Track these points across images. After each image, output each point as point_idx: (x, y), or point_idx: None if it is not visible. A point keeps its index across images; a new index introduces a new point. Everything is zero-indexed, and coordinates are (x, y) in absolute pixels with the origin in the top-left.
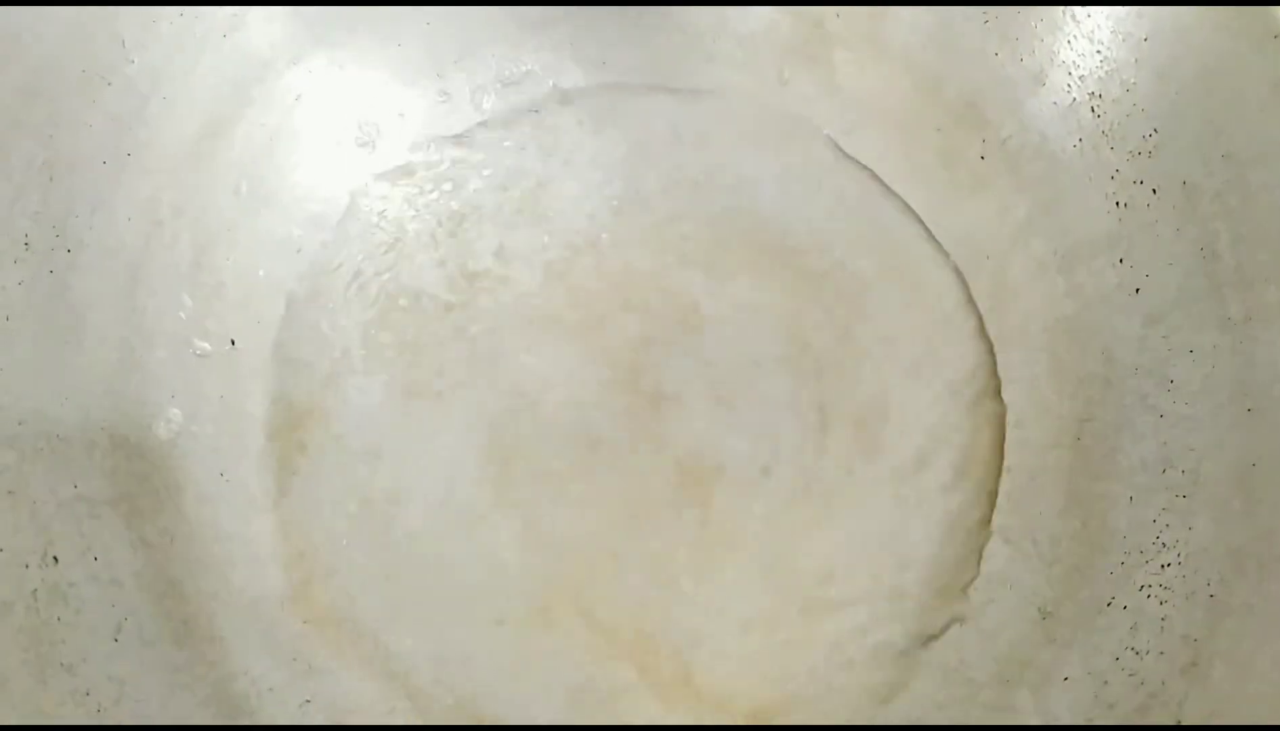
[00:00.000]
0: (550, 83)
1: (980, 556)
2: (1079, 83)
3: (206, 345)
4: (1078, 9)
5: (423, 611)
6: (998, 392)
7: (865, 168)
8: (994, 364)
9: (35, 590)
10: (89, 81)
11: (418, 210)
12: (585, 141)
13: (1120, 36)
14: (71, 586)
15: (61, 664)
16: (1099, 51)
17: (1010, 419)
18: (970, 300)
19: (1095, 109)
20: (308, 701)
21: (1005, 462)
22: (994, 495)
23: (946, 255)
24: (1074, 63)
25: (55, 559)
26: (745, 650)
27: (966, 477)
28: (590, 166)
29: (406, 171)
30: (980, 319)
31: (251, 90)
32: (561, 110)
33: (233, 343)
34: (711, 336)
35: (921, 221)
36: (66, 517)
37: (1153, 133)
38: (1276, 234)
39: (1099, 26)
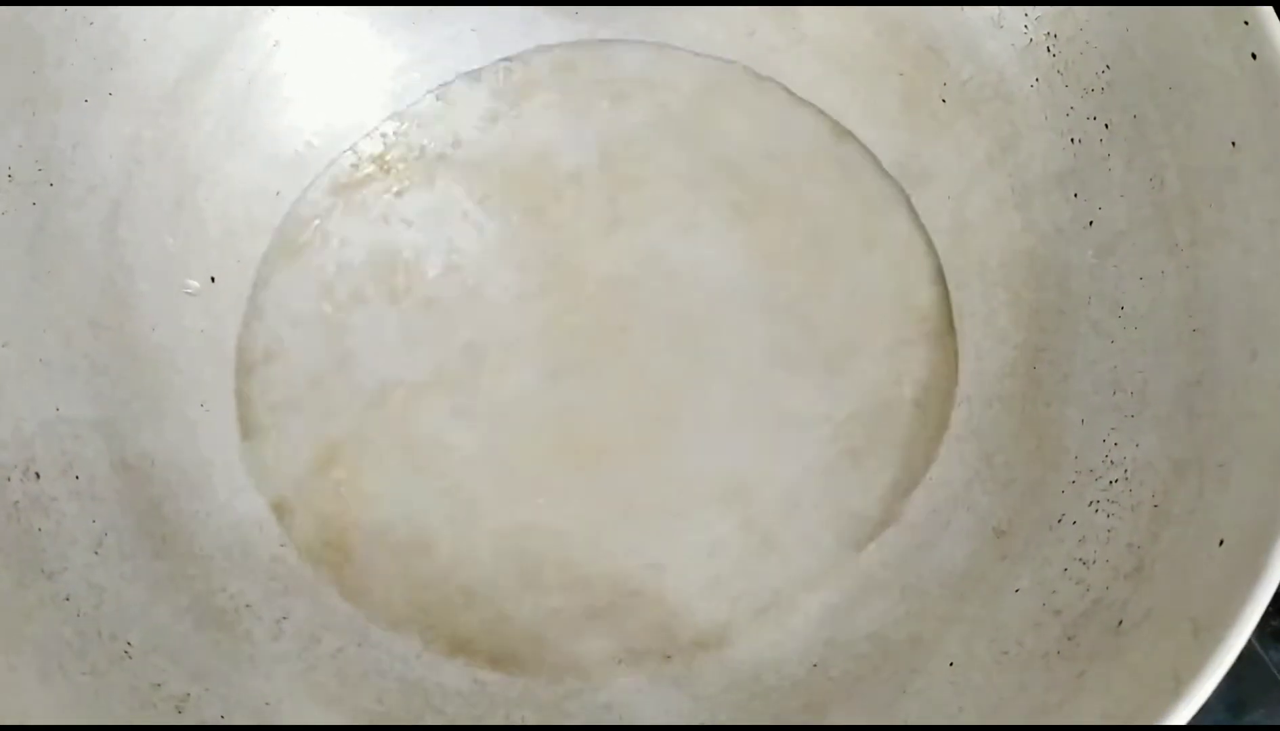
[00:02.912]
0: (524, 32)
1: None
2: (1035, 23)
3: (195, 283)
4: None
5: (394, 540)
6: (951, 330)
7: (828, 115)
8: (949, 304)
9: (17, 502)
10: (71, 21)
11: (394, 155)
12: (558, 89)
13: None
14: (53, 500)
15: (42, 570)
16: None
17: (969, 351)
18: (930, 244)
19: (1051, 48)
20: (284, 618)
21: (964, 392)
22: (945, 420)
23: (907, 198)
24: (1030, 4)
25: (37, 475)
26: (707, 572)
27: (924, 407)
28: (562, 115)
29: (382, 117)
30: (939, 261)
31: (231, 35)
32: (535, 59)
33: (212, 280)
34: (680, 277)
35: (882, 166)
36: (49, 436)
37: (1105, 69)
38: (1218, 161)
39: None
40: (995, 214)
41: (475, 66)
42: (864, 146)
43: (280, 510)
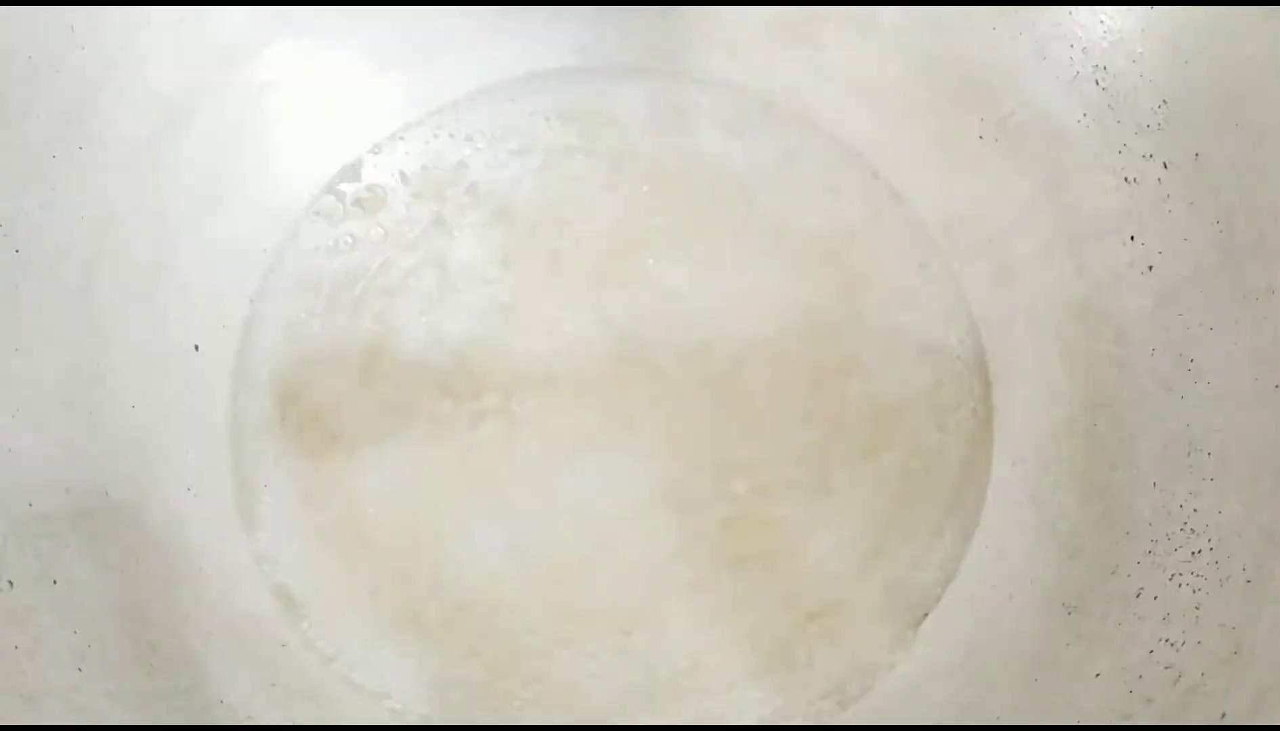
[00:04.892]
0: (526, 70)
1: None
2: (1082, 55)
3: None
4: None
5: (406, 628)
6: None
7: (855, 152)
8: (990, 355)
9: None
10: (35, 69)
11: (391, 205)
12: (564, 129)
13: (1125, 5)
14: (29, 612)
15: (21, 695)
16: (1102, 21)
17: (1017, 407)
18: (961, 296)
19: (1100, 82)
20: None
21: (1017, 452)
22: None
23: (942, 243)
24: (1076, 34)
25: (10, 583)
26: (750, 656)
27: (971, 465)
28: (568, 154)
29: (378, 165)
30: (977, 310)
31: (211, 80)
32: (536, 98)
33: (196, 348)
34: (709, 327)
35: (915, 207)
36: (21, 537)
37: (1162, 104)
38: None
39: None
40: (1043, 259)
41: (475, 107)
42: (894, 187)
43: (285, 599)
